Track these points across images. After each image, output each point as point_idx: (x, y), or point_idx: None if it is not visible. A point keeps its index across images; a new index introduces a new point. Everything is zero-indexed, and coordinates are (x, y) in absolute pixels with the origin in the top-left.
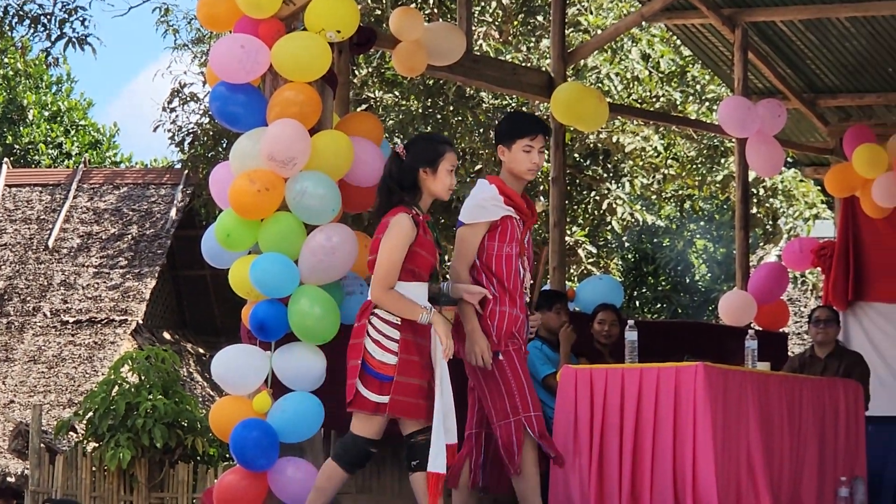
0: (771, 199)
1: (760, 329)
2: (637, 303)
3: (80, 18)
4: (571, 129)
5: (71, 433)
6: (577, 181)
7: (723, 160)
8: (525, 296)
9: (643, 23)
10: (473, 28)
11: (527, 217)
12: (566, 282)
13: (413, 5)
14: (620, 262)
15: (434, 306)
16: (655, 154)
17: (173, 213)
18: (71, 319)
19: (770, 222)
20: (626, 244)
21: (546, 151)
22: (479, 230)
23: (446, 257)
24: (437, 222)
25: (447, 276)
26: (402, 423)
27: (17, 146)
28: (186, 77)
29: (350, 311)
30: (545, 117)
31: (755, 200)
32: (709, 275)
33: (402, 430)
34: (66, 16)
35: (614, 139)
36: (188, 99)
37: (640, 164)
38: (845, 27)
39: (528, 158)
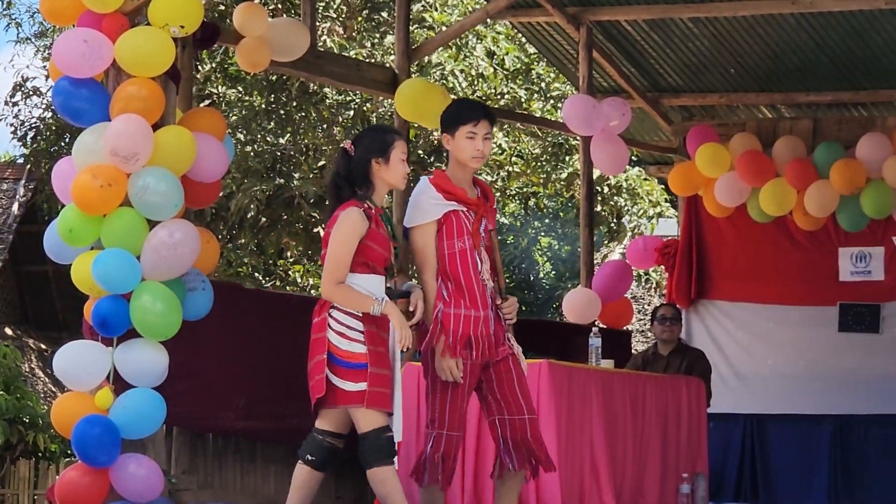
0: (615, 198)
1: (604, 327)
2: None
3: None
4: (416, 125)
5: None
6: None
7: (567, 158)
8: (487, 288)
9: (488, 20)
10: (318, 24)
11: (476, 205)
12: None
13: (257, 1)
14: None
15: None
16: (500, 151)
17: (15, 208)
18: None
19: (614, 220)
20: None
21: (492, 138)
22: (427, 231)
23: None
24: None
25: (401, 268)
26: (362, 416)
27: None
28: (29, 71)
29: (192, 308)
30: (389, 115)
31: (600, 198)
32: (553, 272)
33: (357, 427)
34: None
35: None
36: (31, 93)
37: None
38: (688, 27)
39: (471, 145)
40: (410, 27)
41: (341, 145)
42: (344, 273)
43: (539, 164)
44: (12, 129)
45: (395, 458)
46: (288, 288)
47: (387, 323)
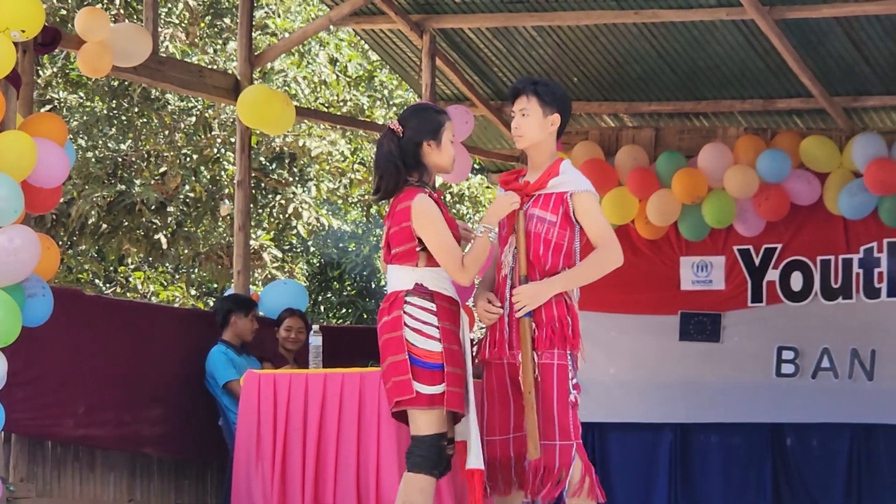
0: (458, 206)
1: None
2: (322, 308)
3: None
4: (258, 132)
5: None
6: (263, 185)
7: None
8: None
9: (331, 27)
10: (160, 29)
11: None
12: (250, 286)
13: (99, 6)
14: (306, 267)
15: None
16: (342, 158)
17: None
18: None
19: None
20: (312, 249)
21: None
22: None
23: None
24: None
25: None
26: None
27: None
28: None
29: (31, 314)
30: (231, 121)
31: None
32: None
33: (414, 428)
34: None
35: (301, 143)
36: None
37: (327, 168)
38: (532, 36)
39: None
40: (253, 33)
41: (388, 126)
42: (460, 252)
43: None
44: None
45: (443, 472)
46: (128, 295)
47: (456, 317)
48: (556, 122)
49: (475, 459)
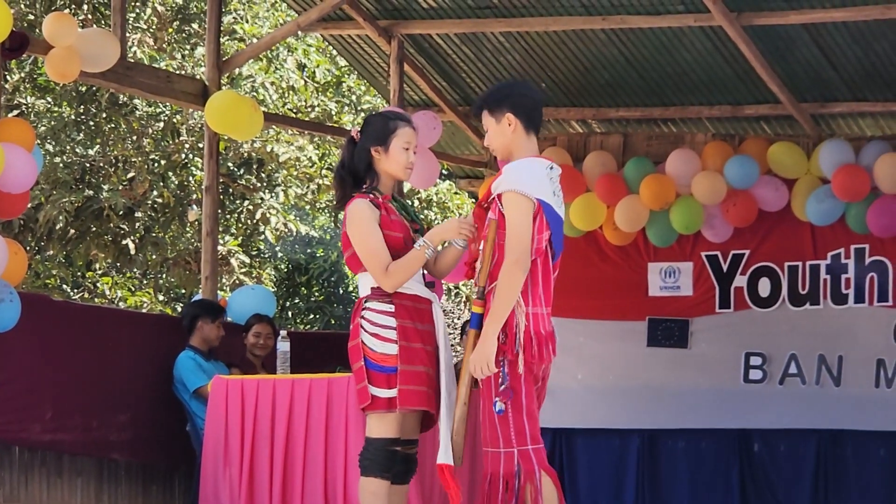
0: (426, 211)
1: None
2: (290, 313)
3: None
4: (226, 137)
5: None
6: (231, 190)
7: None
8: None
9: (299, 32)
10: (128, 35)
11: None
12: (218, 292)
13: (67, 11)
14: (273, 273)
15: None
16: (310, 164)
17: None
18: None
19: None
20: (280, 254)
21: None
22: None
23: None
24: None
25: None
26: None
27: None
28: None
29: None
30: (199, 127)
31: None
32: None
33: (367, 430)
34: None
35: (269, 148)
36: None
37: (295, 173)
38: (500, 41)
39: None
40: (221, 39)
41: (349, 132)
42: (386, 257)
43: None
44: None
45: (394, 474)
46: (96, 300)
47: (426, 315)
48: (512, 119)
49: (443, 454)
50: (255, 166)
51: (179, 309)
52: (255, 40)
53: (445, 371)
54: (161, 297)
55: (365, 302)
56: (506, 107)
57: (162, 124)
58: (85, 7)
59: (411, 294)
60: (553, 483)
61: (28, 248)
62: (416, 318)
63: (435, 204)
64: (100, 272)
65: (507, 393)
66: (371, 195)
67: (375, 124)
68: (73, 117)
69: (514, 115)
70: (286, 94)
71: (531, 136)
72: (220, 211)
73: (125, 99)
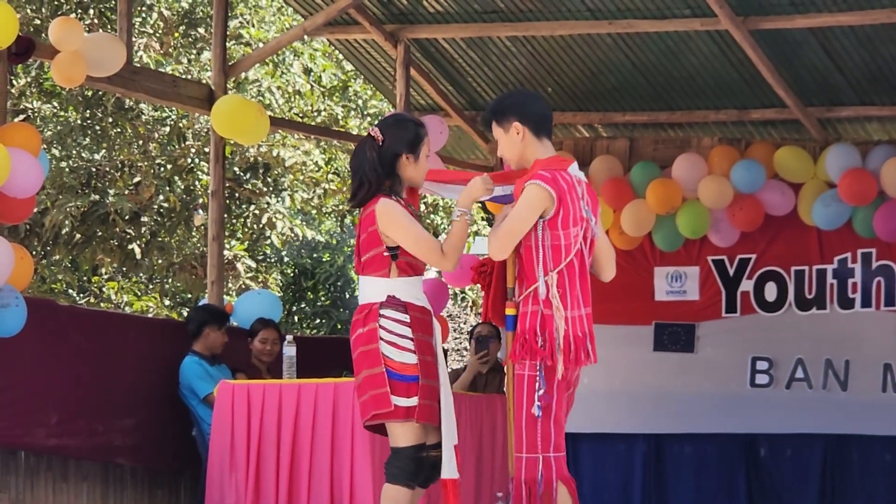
0: (431, 216)
1: None
2: (296, 318)
3: None
4: (232, 142)
5: None
6: (237, 195)
7: None
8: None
9: (305, 37)
10: (134, 39)
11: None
12: (224, 296)
13: (73, 15)
14: (279, 277)
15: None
16: (316, 168)
17: None
18: None
19: None
20: (286, 259)
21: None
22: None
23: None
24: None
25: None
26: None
27: None
28: None
29: (5, 324)
30: (205, 131)
31: None
32: None
33: (392, 440)
34: None
35: (275, 153)
36: None
37: (301, 178)
38: (506, 46)
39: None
40: (227, 43)
41: (368, 132)
42: (436, 240)
43: None
44: None
45: (422, 481)
46: (102, 305)
47: (430, 326)
48: (519, 128)
49: (447, 469)
50: (261, 171)
51: (185, 313)
52: (261, 45)
53: (445, 383)
54: (167, 302)
55: (381, 309)
56: (512, 115)
57: (168, 129)
58: (91, 11)
59: (420, 306)
60: (569, 493)
61: (34, 252)
62: (425, 330)
63: (441, 209)
64: (106, 277)
65: (546, 397)
66: (394, 197)
67: (408, 130)
68: (79, 122)
69: (520, 122)
70: (292, 99)
71: (544, 141)
72: (226, 215)
73: (131, 103)
